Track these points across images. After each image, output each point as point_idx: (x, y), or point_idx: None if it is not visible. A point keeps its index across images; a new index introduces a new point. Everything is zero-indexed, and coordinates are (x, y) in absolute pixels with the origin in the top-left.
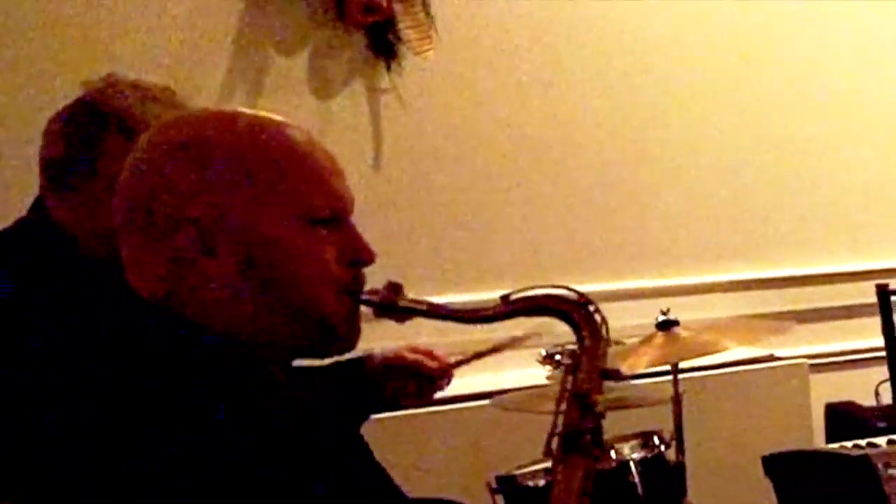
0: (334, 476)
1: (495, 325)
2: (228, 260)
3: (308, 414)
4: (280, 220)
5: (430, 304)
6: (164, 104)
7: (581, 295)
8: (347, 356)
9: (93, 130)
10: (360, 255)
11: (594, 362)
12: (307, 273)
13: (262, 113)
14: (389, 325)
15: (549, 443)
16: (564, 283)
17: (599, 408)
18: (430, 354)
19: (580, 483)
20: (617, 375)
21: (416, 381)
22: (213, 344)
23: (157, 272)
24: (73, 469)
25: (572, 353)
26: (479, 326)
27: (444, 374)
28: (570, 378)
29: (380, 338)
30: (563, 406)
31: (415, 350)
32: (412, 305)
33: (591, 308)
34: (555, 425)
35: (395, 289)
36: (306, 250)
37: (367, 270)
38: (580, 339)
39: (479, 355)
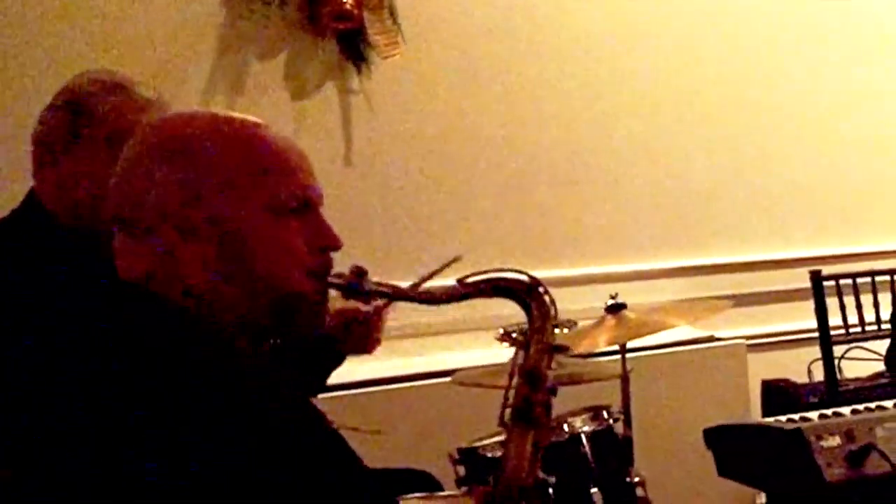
0: (310, 452)
1: (451, 304)
2: (207, 249)
3: (278, 388)
4: (253, 212)
5: (393, 287)
6: (130, 93)
7: (531, 278)
8: None
9: (70, 116)
10: (328, 242)
11: (543, 340)
12: (277, 258)
13: (239, 115)
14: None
15: (502, 414)
16: (522, 269)
17: (549, 382)
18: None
19: (531, 450)
20: (566, 351)
21: (358, 325)
22: (192, 325)
23: (144, 261)
24: (57, 432)
25: (523, 332)
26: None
27: (378, 312)
28: (521, 354)
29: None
30: (515, 380)
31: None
32: (376, 288)
33: (541, 290)
34: (506, 398)
35: (359, 273)
36: (276, 238)
37: (339, 255)
38: (530, 319)
39: (402, 292)
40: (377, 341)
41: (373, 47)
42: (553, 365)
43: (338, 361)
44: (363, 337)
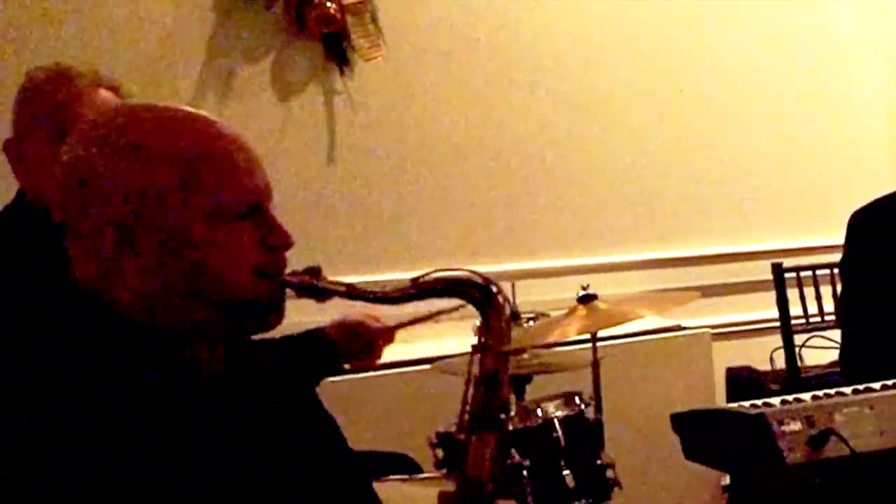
0: (256, 447)
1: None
2: (148, 257)
3: (235, 389)
4: (194, 220)
5: (347, 286)
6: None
7: (485, 279)
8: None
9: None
10: (278, 241)
11: (499, 343)
12: (220, 264)
13: (186, 110)
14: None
15: (461, 421)
16: (496, 261)
17: (506, 386)
18: (374, 318)
19: (491, 454)
20: (519, 353)
21: (363, 340)
22: (136, 332)
23: (90, 268)
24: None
25: (479, 335)
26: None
27: (386, 333)
28: (478, 358)
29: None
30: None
31: (358, 313)
32: (330, 287)
33: (494, 290)
34: (464, 403)
35: (313, 271)
36: (220, 245)
37: (322, 245)
38: (485, 322)
39: (417, 320)
40: (378, 358)
41: (355, 50)
42: (527, 354)
43: (334, 368)
44: (367, 352)
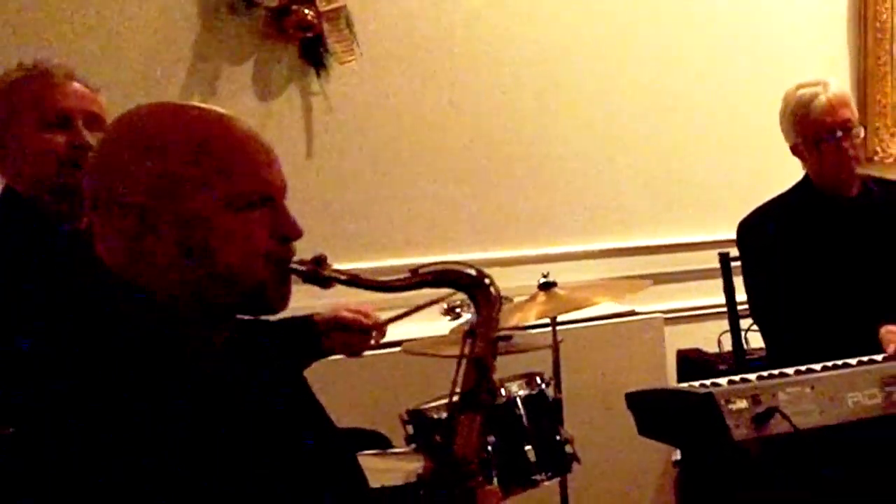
0: (242, 416)
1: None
2: (168, 239)
3: (232, 366)
4: (213, 206)
5: (350, 274)
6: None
7: (478, 271)
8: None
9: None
10: (288, 231)
11: (489, 330)
12: (235, 249)
13: (208, 108)
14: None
15: (451, 400)
16: (463, 251)
17: (494, 370)
18: (365, 313)
19: (478, 431)
20: (507, 340)
21: (354, 334)
22: (156, 306)
23: (116, 247)
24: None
25: (471, 323)
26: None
27: (377, 328)
28: (468, 343)
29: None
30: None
31: (353, 309)
32: (334, 275)
33: (487, 282)
34: (455, 384)
35: (319, 260)
36: (236, 231)
37: (303, 238)
38: (477, 310)
39: (407, 313)
40: (365, 345)
41: (331, 54)
42: (496, 353)
43: (319, 355)
44: (354, 343)
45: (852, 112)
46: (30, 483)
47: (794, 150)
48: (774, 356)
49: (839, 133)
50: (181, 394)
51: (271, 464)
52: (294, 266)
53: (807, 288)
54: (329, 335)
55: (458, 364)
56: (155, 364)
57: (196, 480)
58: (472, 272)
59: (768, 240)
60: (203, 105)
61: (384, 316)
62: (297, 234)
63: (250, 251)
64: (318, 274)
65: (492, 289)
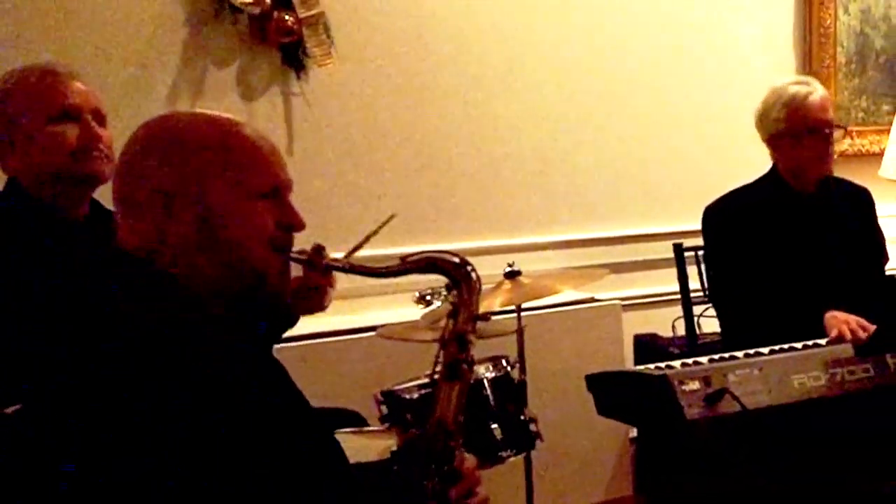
0: (256, 394)
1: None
2: (189, 226)
3: (237, 345)
4: (229, 195)
5: (347, 262)
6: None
7: (461, 258)
8: None
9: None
10: (292, 223)
11: (469, 310)
12: (247, 234)
13: (222, 114)
14: None
15: (433, 371)
16: (433, 241)
17: (473, 345)
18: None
19: (458, 398)
20: (485, 319)
21: (310, 291)
22: (175, 284)
23: (141, 233)
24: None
25: (453, 303)
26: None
27: (326, 278)
28: (450, 321)
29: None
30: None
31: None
32: (333, 263)
33: (469, 269)
34: (437, 358)
35: (319, 250)
36: (247, 217)
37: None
38: (459, 292)
39: (349, 253)
40: (325, 302)
41: (310, 57)
42: (475, 330)
43: (291, 323)
44: (314, 300)
45: (833, 116)
46: (41, 460)
47: (770, 141)
48: (729, 337)
49: (827, 130)
50: (201, 366)
51: (274, 444)
52: (294, 255)
53: (764, 274)
54: (293, 298)
55: (441, 338)
56: (175, 338)
57: (206, 457)
58: (457, 260)
59: (731, 226)
60: (217, 112)
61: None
62: (301, 225)
63: (258, 235)
64: (318, 262)
65: (473, 274)
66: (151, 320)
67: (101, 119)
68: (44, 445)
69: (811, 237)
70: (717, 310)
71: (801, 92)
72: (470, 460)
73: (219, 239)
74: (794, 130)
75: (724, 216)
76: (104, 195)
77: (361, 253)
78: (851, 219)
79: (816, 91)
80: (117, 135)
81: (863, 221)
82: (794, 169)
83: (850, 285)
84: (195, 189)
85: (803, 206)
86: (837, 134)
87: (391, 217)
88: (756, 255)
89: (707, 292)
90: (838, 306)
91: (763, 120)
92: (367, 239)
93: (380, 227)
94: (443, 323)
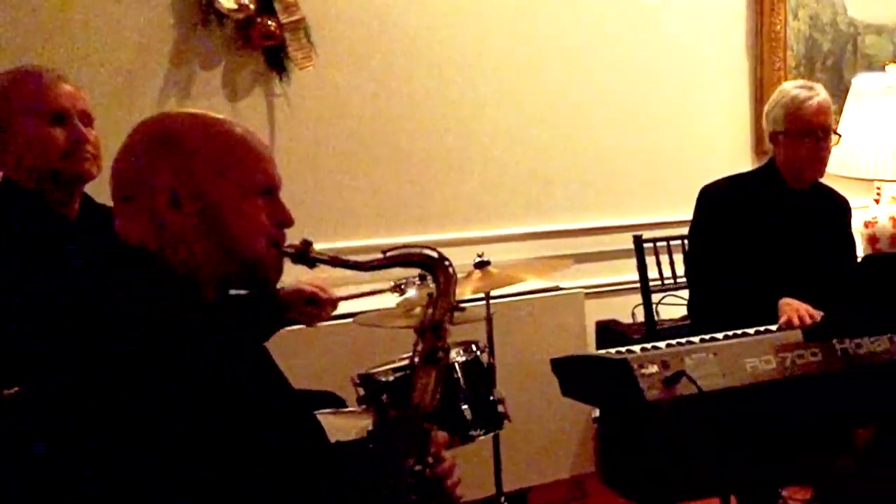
0: (245, 374)
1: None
2: (190, 218)
3: (224, 324)
4: (228, 191)
5: (332, 256)
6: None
7: (439, 254)
8: None
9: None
10: (284, 219)
11: (446, 301)
12: (245, 227)
13: (218, 114)
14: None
15: (413, 356)
16: (407, 233)
17: (449, 333)
18: (322, 288)
19: (435, 383)
20: (461, 310)
21: (313, 306)
22: (175, 272)
23: (144, 225)
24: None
25: (430, 294)
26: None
27: (331, 302)
28: (428, 311)
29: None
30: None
31: (314, 284)
32: (319, 256)
33: (446, 263)
34: (416, 345)
35: (306, 244)
36: (245, 212)
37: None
38: (437, 285)
39: (358, 295)
40: (321, 318)
41: (291, 60)
42: (451, 319)
43: (281, 325)
44: (311, 314)
45: (832, 120)
46: (48, 436)
47: (771, 137)
48: (696, 313)
49: (820, 134)
50: (194, 352)
51: (263, 425)
52: (286, 249)
53: (740, 256)
54: (291, 307)
55: (420, 327)
56: (173, 322)
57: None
58: (435, 255)
59: (721, 206)
60: (212, 113)
61: (338, 293)
62: (291, 221)
63: (255, 230)
64: (306, 255)
65: (450, 269)
66: (150, 311)
67: (88, 120)
68: (43, 428)
69: (789, 230)
70: (689, 282)
71: (800, 95)
72: (443, 437)
73: (220, 233)
74: (791, 131)
75: (716, 196)
76: (103, 194)
77: (345, 244)
78: (829, 222)
79: (816, 96)
80: (110, 133)
81: (839, 227)
82: (789, 166)
83: (813, 280)
84: (197, 187)
85: (792, 201)
86: (834, 139)
87: (387, 290)
88: (736, 236)
89: (684, 265)
90: (797, 296)
91: (767, 117)
92: (361, 295)
93: (374, 293)
94: (417, 311)
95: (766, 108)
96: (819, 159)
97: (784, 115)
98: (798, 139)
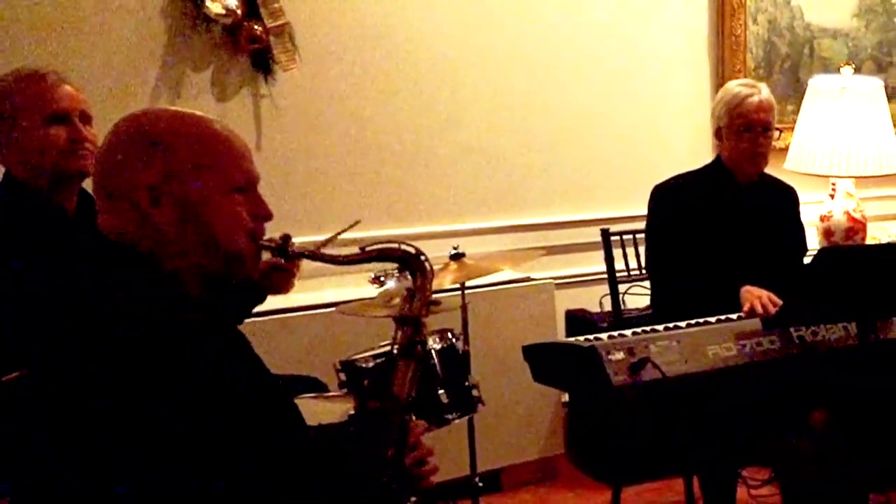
0: (229, 361)
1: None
2: (171, 213)
3: (211, 318)
4: (208, 187)
5: (310, 250)
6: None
7: (416, 249)
8: None
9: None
10: (263, 213)
11: (423, 296)
12: (225, 222)
13: (197, 112)
14: None
15: (391, 349)
16: (386, 227)
17: (426, 327)
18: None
19: (412, 375)
20: (437, 303)
21: (278, 271)
22: (157, 267)
23: (126, 221)
24: (52, 336)
25: (409, 289)
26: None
27: (295, 264)
28: (406, 305)
29: None
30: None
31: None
32: (298, 250)
33: (423, 258)
34: (394, 338)
35: (286, 239)
36: (225, 208)
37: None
38: (414, 280)
39: (318, 247)
40: (291, 285)
41: (276, 62)
42: (428, 313)
43: (260, 300)
44: (282, 282)
45: (773, 117)
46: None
47: (716, 133)
48: (658, 305)
49: (759, 129)
50: (178, 342)
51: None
52: (265, 243)
53: (696, 250)
54: (264, 279)
55: (397, 321)
56: (167, 320)
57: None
58: (412, 250)
59: (673, 203)
60: (192, 110)
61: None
62: (270, 215)
63: (235, 225)
64: (286, 249)
65: (427, 264)
66: (146, 310)
67: (87, 119)
68: (43, 427)
69: (742, 223)
70: (650, 278)
71: (742, 93)
72: (420, 426)
73: (200, 228)
74: (732, 126)
75: (667, 194)
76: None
77: (305, 238)
78: (779, 212)
79: (758, 94)
80: (104, 133)
81: (789, 216)
82: (733, 161)
83: (769, 269)
84: (177, 183)
85: (739, 194)
86: (774, 135)
87: (356, 222)
88: (691, 232)
89: (645, 262)
90: (755, 283)
91: (713, 113)
92: (335, 237)
93: (345, 230)
94: (396, 301)
95: (712, 105)
96: (760, 154)
97: (726, 111)
98: (739, 134)
